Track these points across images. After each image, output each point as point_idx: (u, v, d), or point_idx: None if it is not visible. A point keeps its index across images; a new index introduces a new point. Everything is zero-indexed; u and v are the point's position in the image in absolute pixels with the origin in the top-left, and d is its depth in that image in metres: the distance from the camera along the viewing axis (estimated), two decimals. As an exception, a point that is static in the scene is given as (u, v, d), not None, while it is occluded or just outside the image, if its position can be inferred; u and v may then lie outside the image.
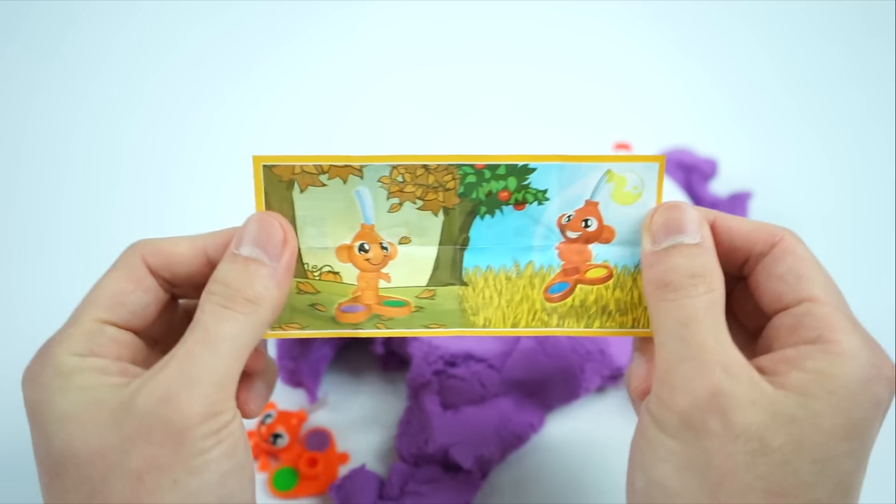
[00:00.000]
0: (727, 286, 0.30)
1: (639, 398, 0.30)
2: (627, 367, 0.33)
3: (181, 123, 0.61)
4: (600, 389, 0.44)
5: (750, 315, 0.30)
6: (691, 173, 0.53)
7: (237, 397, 0.27)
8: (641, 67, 0.67)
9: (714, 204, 0.52)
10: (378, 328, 0.31)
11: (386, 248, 0.30)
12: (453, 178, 0.29)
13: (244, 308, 0.26)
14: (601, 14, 0.71)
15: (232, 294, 0.27)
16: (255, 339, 0.27)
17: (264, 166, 0.29)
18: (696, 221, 0.28)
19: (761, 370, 0.26)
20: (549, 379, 0.42)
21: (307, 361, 0.43)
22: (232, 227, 0.29)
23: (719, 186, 0.55)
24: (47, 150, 0.59)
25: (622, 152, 0.53)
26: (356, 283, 0.30)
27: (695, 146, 0.55)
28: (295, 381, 0.43)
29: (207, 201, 0.55)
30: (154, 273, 0.29)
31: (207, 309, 0.26)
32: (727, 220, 0.29)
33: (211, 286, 0.27)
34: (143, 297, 0.28)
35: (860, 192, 0.57)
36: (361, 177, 0.29)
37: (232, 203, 0.55)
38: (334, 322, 0.31)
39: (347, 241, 0.29)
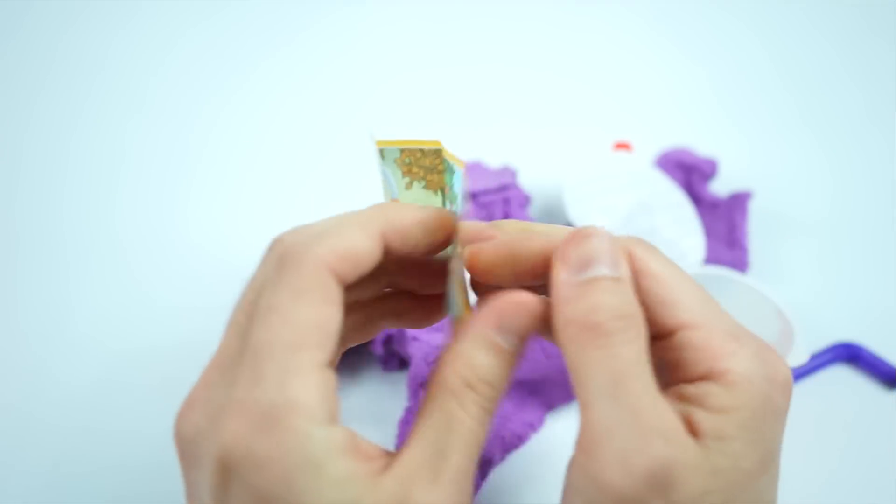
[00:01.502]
0: None
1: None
2: None
3: (183, 122, 0.61)
4: (600, 389, 0.44)
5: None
6: (691, 173, 0.53)
7: None
8: (641, 68, 0.67)
9: (714, 204, 0.52)
10: None
11: None
12: (441, 162, 0.29)
13: (494, 406, 0.25)
14: (601, 14, 0.71)
15: (494, 396, 0.24)
16: None
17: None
18: (616, 252, 0.25)
19: None
20: (549, 379, 0.42)
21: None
22: (393, 204, 0.26)
23: (719, 186, 0.55)
24: (49, 150, 0.59)
25: (622, 152, 0.53)
26: None
27: (695, 146, 0.55)
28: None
29: (208, 200, 0.55)
30: (342, 283, 0.24)
31: (475, 413, 0.24)
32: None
33: (474, 381, 0.24)
34: (341, 320, 0.23)
35: (860, 191, 0.57)
36: (383, 158, 0.30)
37: (233, 202, 0.55)
38: None
39: None
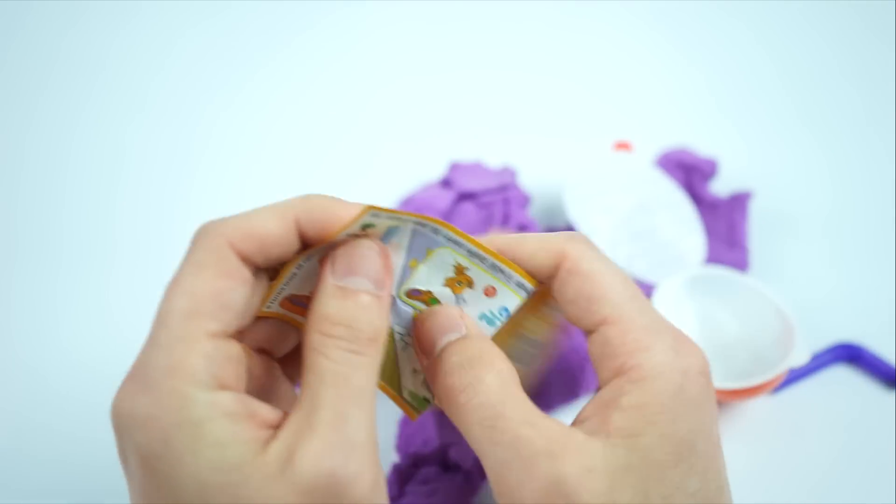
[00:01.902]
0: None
1: None
2: None
3: (184, 124, 0.61)
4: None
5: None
6: (691, 173, 0.53)
7: None
8: (641, 67, 0.67)
9: (714, 204, 0.52)
10: None
11: None
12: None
13: (370, 349, 0.24)
14: (600, 14, 0.71)
15: (356, 335, 0.24)
16: (378, 378, 0.25)
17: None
18: (455, 317, 0.27)
19: (586, 422, 0.25)
20: (549, 379, 0.42)
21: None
22: (322, 198, 0.25)
23: (719, 186, 0.55)
24: (49, 151, 0.59)
25: (622, 152, 0.53)
26: None
27: (695, 146, 0.55)
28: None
29: (209, 203, 0.55)
30: (246, 261, 0.24)
31: (337, 356, 0.23)
32: (513, 246, 0.27)
33: (328, 328, 0.24)
34: (244, 294, 0.24)
35: (860, 191, 0.57)
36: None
37: (234, 206, 0.55)
38: None
39: None
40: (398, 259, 0.27)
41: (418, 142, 0.60)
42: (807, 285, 0.50)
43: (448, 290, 0.28)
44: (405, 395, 0.30)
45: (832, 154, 0.60)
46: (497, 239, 0.27)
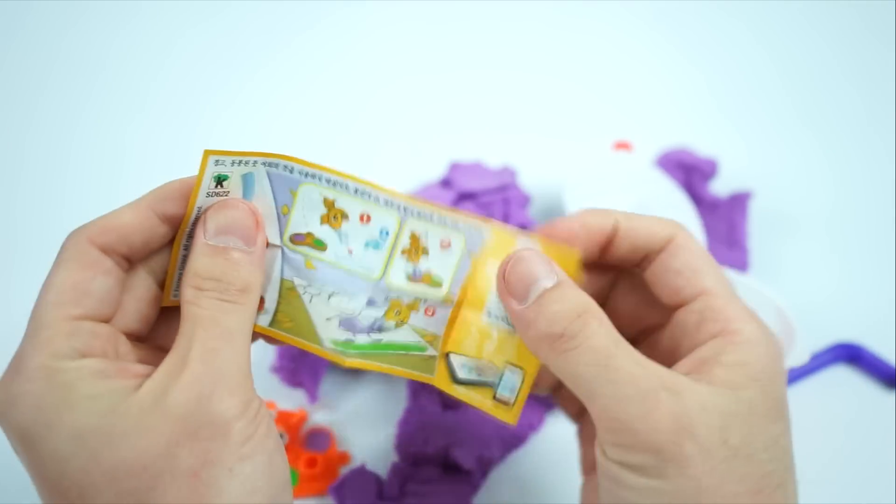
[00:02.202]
0: (605, 292, 0.32)
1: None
2: None
3: (184, 124, 0.61)
4: (600, 389, 0.44)
5: (630, 316, 0.31)
6: (691, 173, 0.53)
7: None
8: (641, 68, 0.67)
9: (714, 204, 0.52)
10: None
11: None
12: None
13: (241, 298, 0.26)
14: (600, 14, 0.71)
15: (226, 287, 0.26)
16: (252, 324, 0.27)
17: None
18: (545, 264, 0.28)
19: (686, 375, 0.27)
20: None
21: (307, 361, 0.43)
22: (176, 180, 0.27)
23: (719, 186, 0.55)
24: (49, 151, 0.59)
25: (622, 152, 0.53)
26: None
27: (695, 146, 0.55)
28: (295, 380, 0.43)
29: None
30: (108, 252, 0.27)
31: (208, 304, 0.25)
32: (629, 220, 0.30)
33: (199, 282, 0.26)
34: (106, 282, 0.26)
35: (860, 191, 0.57)
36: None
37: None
38: None
39: None
40: (268, 209, 0.28)
41: (418, 142, 0.59)
42: (807, 285, 0.50)
43: (327, 228, 0.28)
44: (328, 345, 0.30)
45: (832, 154, 0.60)
46: (614, 215, 0.31)
